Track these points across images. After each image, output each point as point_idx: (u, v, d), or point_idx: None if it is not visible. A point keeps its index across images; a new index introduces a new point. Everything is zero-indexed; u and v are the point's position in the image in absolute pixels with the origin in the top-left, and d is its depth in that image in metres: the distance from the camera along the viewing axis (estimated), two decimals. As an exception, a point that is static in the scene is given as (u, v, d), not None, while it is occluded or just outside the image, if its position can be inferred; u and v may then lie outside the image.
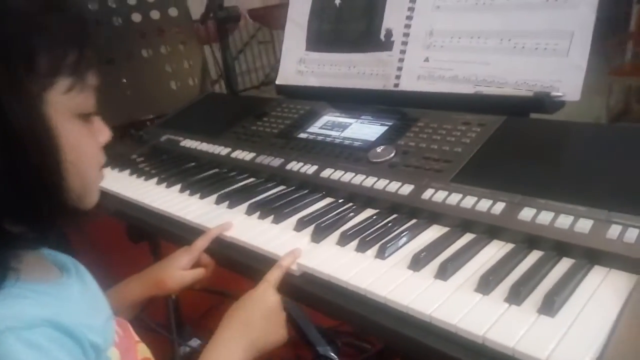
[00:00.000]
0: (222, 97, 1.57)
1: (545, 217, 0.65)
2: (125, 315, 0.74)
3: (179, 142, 1.20)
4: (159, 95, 1.55)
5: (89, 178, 0.51)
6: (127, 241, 1.25)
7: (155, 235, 1.01)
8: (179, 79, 1.58)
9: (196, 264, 0.81)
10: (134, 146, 1.27)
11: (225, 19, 1.48)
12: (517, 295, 0.55)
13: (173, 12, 1.57)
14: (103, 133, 0.55)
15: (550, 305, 0.53)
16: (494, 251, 0.65)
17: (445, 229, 0.72)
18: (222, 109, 1.35)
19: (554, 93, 0.86)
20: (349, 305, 0.62)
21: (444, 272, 0.61)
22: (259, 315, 0.66)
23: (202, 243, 0.80)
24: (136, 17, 1.53)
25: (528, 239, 0.65)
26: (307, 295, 0.67)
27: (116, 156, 1.21)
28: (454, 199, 0.73)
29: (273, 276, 0.68)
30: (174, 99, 1.53)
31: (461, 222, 0.71)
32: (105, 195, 1.04)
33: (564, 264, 0.60)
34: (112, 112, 1.51)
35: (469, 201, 0.71)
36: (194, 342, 1.72)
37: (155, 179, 1.04)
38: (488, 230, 0.68)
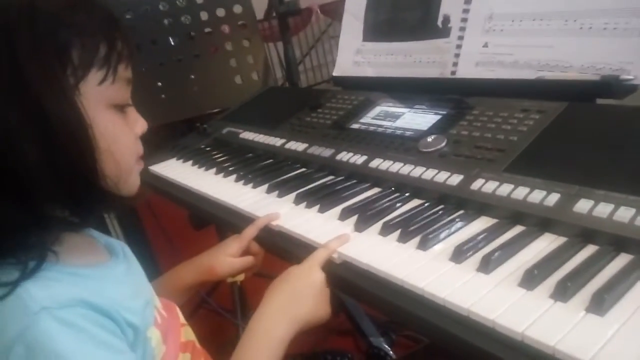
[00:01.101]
0: (282, 91, 1.59)
1: (603, 209, 0.60)
2: (177, 299, 0.78)
3: (238, 134, 1.24)
4: (224, 90, 1.60)
5: (125, 165, 0.54)
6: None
7: (213, 222, 1.05)
8: (243, 74, 1.63)
9: (245, 252, 0.83)
10: (199, 138, 1.32)
11: (285, 13, 1.50)
12: (563, 291, 0.52)
13: (237, 9, 1.61)
14: (139, 124, 0.57)
15: (599, 304, 0.49)
16: (544, 245, 0.61)
17: (493, 221, 0.69)
18: (281, 101, 1.37)
19: (624, 76, 0.79)
20: (386, 295, 0.61)
21: (486, 265, 0.58)
22: (304, 291, 0.66)
23: (251, 231, 0.82)
24: (203, 15, 1.59)
25: (583, 233, 0.60)
26: (346, 284, 0.66)
27: (182, 148, 1.27)
28: (505, 189, 0.69)
29: (319, 254, 0.68)
30: (239, 93, 1.57)
31: (511, 214, 0.67)
32: (167, 183, 1.10)
33: (621, 260, 0.56)
34: (180, 107, 1.59)
35: (520, 192, 0.68)
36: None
37: (214, 169, 1.08)
38: (540, 222, 0.64)
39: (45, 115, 0.45)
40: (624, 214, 0.58)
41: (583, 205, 0.61)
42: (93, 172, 0.49)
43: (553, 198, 0.64)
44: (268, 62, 1.65)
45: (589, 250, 0.59)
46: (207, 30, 1.59)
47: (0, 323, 0.45)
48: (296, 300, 0.66)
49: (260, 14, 1.64)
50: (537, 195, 0.66)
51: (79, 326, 0.47)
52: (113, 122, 0.52)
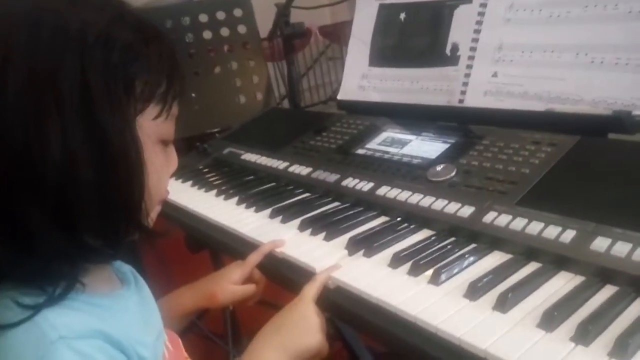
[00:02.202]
0: (285, 112, 1.58)
1: (621, 248, 0.58)
2: (174, 326, 0.75)
3: (240, 155, 1.22)
4: (225, 109, 1.59)
5: (156, 200, 0.54)
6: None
7: (211, 246, 1.02)
8: (246, 94, 1.62)
9: (248, 280, 0.80)
10: (199, 158, 1.30)
11: (291, 35, 1.50)
12: (585, 334, 0.50)
13: (242, 29, 1.60)
14: (173, 162, 0.58)
15: (623, 349, 0.47)
16: (561, 284, 0.60)
17: (507, 256, 0.67)
18: (284, 123, 1.36)
19: (636, 112, 0.78)
20: (397, 331, 0.58)
21: (503, 304, 0.56)
22: (289, 322, 0.66)
23: (254, 258, 0.80)
24: (207, 35, 1.59)
25: (601, 272, 0.58)
26: (354, 318, 0.64)
27: (181, 167, 1.24)
28: (519, 223, 0.68)
29: (307, 289, 0.68)
30: (240, 113, 1.56)
31: (525, 250, 0.66)
32: (165, 204, 1.07)
33: (643, 303, 0.54)
34: (180, 125, 1.57)
35: (535, 227, 0.66)
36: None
37: (214, 191, 1.06)
38: (555, 260, 0.63)
39: (106, 140, 0.45)
40: (644, 254, 0.56)
41: (600, 244, 0.60)
42: (138, 204, 0.49)
43: (569, 235, 0.63)
44: (271, 82, 1.65)
45: (608, 291, 0.57)
46: (210, 48, 1.58)
47: (17, 350, 0.44)
48: (284, 330, 0.66)
49: (263, 32, 1.63)
50: (552, 231, 0.64)
51: (93, 357, 0.45)
52: (160, 158, 0.53)
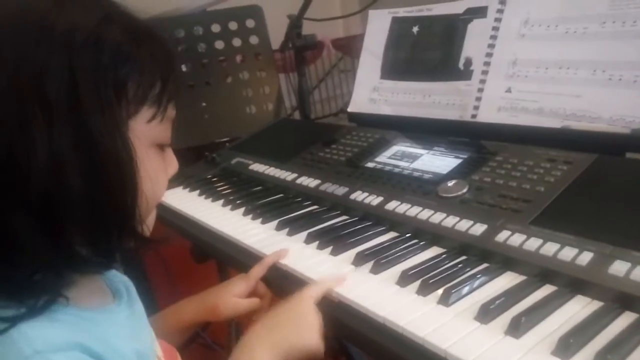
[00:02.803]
0: (295, 123, 1.57)
1: (641, 273, 0.55)
2: (175, 339, 0.73)
3: (248, 165, 1.20)
4: (235, 119, 1.58)
5: (152, 206, 0.52)
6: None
7: (216, 256, 1.01)
8: (257, 104, 1.61)
9: (252, 293, 0.78)
10: (207, 167, 1.29)
11: (303, 46, 1.49)
12: (603, 364, 0.47)
13: (254, 40, 1.60)
14: (172, 165, 0.55)
15: (645, 382, 0.44)
16: (578, 309, 0.57)
17: (520, 278, 0.64)
18: (294, 134, 1.35)
19: (656, 131, 0.76)
20: (403, 353, 0.56)
21: (516, 328, 0.53)
22: (287, 319, 0.64)
23: (258, 270, 0.78)
24: (219, 45, 1.59)
25: (620, 298, 0.56)
26: (358, 337, 0.61)
27: (188, 176, 1.23)
28: (533, 244, 0.65)
29: (310, 289, 0.66)
30: (250, 123, 1.55)
31: (540, 272, 0.63)
32: (172, 213, 1.06)
33: (665, 332, 0.51)
34: (190, 134, 1.56)
35: (550, 248, 0.63)
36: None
37: (221, 201, 1.05)
38: (571, 283, 0.60)
39: (96, 145, 0.43)
40: (666, 280, 0.54)
41: (619, 268, 0.57)
42: (131, 211, 0.46)
43: (585, 257, 0.60)
44: (281, 93, 1.64)
45: (628, 318, 0.54)
46: (222, 58, 1.58)
47: None
48: (278, 328, 0.64)
49: (275, 44, 1.63)
50: (568, 253, 0.62)
51: None
52: (155, 162, 0.51)
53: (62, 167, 0.42)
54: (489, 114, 1.00)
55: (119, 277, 0.59)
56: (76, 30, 0.44)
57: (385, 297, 0.64)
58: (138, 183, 0.47)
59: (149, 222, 0.54)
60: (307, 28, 1.53)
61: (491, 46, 1.03)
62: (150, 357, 0.54)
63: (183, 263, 1.26)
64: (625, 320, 0.54)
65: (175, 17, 1.56)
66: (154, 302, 1.14)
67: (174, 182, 1.21)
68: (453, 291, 0.61)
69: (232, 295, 0.76)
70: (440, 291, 0.62)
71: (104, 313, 0.51)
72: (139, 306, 0.59)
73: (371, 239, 0.79)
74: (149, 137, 0.49)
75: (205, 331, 1.71)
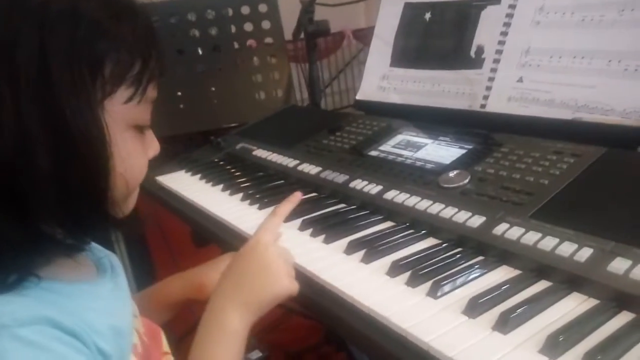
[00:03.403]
0: (303, 110, 1.55)
1: (643, 271, 0.52)
2: (160, 315, 0.73)
3: (252, 151, 1.19)
4: (244, 105, 1.57)
5: (132, 189, 0.51)
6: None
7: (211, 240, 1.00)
8: (266, 90, 1.59)
9: None
10: (211, 152, 1.28)
11: (314, 32, 1.47)
12: (592, 365, 0.44)
13: (266, 25, 1.58)
14: (153, 147, 0.54)
15: (636, 386, 0.42)
16: (572, 306, 0.54)
17: (516, 272, 0.61)
18: (300, 121, 1.33)
19: (671, 124, 0.72)
20: (387, 344, 0.54)
21: (504, 324, 0.51)
22: (250, 271, 0.62)
23: None
24: (231, 29, 1.57)
25: (618, 297, 0.53)
26: (343, 325, 0.60)
27: (192, 160, 1.22)
28: (531, 237, 0.62)
29: (264, 224, 0.65)
30: (259, 109, 1.54)
31: (536, 266, 0.60)
32: (172, 195, 1.06)
33: (662, 335, 0.48)
34: (198, 119, 1.56)
35: (548, 242, 0.61)
36: (255, 355, 1.70)
37: (221, 185, 1.04)
38: (568, 279, 0.57)
39: (66, 125, 0.42)
40: (668, 280, 0.50)
41: (619, 265, 0.54)
42: (103, 193, 0.45)
43: (585, 253, 0.57)
44: (292, 80, 1.62)
45: (624, 317, 0.51)
46: (233, 43, 1.57)
47: None
48: (243, 284, 0.61)
49: (289, 34, 1.60)
50: (566, 248, 0.59)
51: (41, 344, 0.42)
52: (132, 144, 0.49)
53: (29, 146, 0.41)
54: (498, 104, 0.97)
55: (103, 252, 0.58)
56: (51, 2, 0.42)
57: (373, 287, 0.62)
58: (111, 165, 0.45)
59: (129, 204, 0.53)
60: (327, 17, 1.51)
61: (504, 34, 0.99)
62: (127, 333, 0.53)
63: (186, 243, 1.26)
64: (621, 320, 0.51)
65: (187, 0, 1.55)
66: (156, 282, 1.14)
67: (178, 165, 1.21)
68: (442, 283, 0.59)
69: (220, 273, 0.74)
70: (429, 283, 0.59)
71: (84, 287, 0.50)
72: (123, 281, 0.58)
73: (366, 228, 0.77)
74: (126, 118, 0.48)
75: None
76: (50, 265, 0.47)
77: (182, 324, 0.84)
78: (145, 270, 1.44)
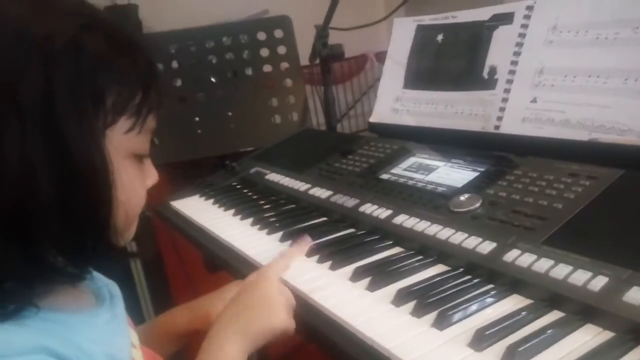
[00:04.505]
0: (317, 133, 1.55)
1: (661, 302, 0.49)
2: (167, 346, 0.72)
3: (265, 175, 1.19)
4: (261, 129, 1.57)
5: (132, 218, 0.52)
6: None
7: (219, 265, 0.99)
8: (282, 114, 1.60)
9: None
10: (226, 176, 1.28)
11: (329, 56, 1.48)
12: (606, 405, 0.41)
13: (282, 50, 1.60)
14: (151, 176, 0.55)
15: None
16: (586, 339, 0.51)
17: (527, 302, 0.59)
18: (314, 144, 1.32)
19: (692, 145, 0.68)
20: (390, 379, 0.52)
21: (511, 358, 0.48)
22: (253, 302, 0.63)
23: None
24: (247, 55, 1.59)
25: (634, 329, 0.49)
26: (344, 356, 0.57)
27: (207, 185, 1.23)
28: (543, 265, 0.60)
29: (273, 264, 0.66)
30: (276, 133, 1.54)
31: (548, 296, 0.57)
32: (185, 221, 1.06)
33: (682, 372, 0.45)
34: (215, 143, 1.57)
35: (561, 270, 0.58)
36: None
37: (232, 210, 1.03)
38: (582, 310, 0.54)
39: (70, 154, 0.43)
40: (689, 312, 0.47)
41: (635, 295, 0.51)
42: (106, 222, 0.46)
43: (599, 282, 0.54)
44: (307, 103, 1.62)
45: (642, 352, 0.48)
46: (249, 68, 1.59)
47: None
48: (245, 314, 0.63)
49: (304, 58, 1.62)
50: (580, 277, 0.56)
51: None
52: (133, 173, 0.50)
53: (33, 175, 0.42)
54: (512, 125, 0.95)
55: (103, 281, 0.58)
56: (55, 36, 0.43)
57: (376, 316, 0.60)
58: (113, 194, 0.46)
59: (128, 235, 0.53)
60: (350, 41, 1.50)
61: (517, 54, 0.97)
62: None
63: (202, 268, 1.26)
64: (637, 354, 0.48)
65: (204, 27, 1.58)
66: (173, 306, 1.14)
67: (193, 190, 1.21)
68: (448, 314, 0.56)
69: (225, 303, 0.74)
70: (435, 313, 0.57)
71: (83, 316, 0.50)
72: (121, 311, 0.58)
73: (374, 254, 0.75)
74: (126, 147, 0.49)
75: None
76: (50, 295, 0.47)
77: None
78: (162, 296, 1.45)
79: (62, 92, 0.42)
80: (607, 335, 0.51)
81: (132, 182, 0.50)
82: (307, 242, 0.67)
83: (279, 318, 0.62)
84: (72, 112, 0.43)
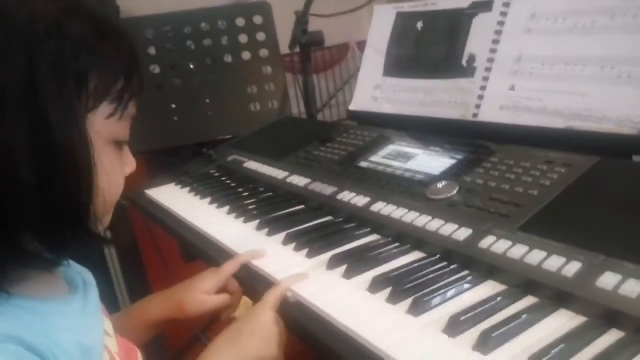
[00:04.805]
0: (296, 121, 1.53)
1: (632, 287, 0.49)
2: (142, 336, 0.71)
3: (242, 163, 1.17)
4: (238, 117, 1.55)
5: (110, 204, 0.52)
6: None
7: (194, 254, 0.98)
8: (261, 102, 1.58)
9: (223, 289, 0.75)
10: (203, 164, 1.26)
11: (308, 43, 1.46)
12: (576, 389, 0.42)
13: (261, 36, 1.57)
14: (129, 163, 0.55)
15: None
16: (559, 324, 0.51)
17: (501, 288, 0.59)
18: (293, 132, 1.31)
19: (666, 132, 0.69)
20: (364, 366, 0.51)
21: (484, 344, 0.48)
22: (249, 330, 0.62)
23: (230, 267, 0.74)
24: (225, 40, 1.56)
25: (606, 314, 0.50)
26: (320, 344, 0.57)
27: (183, 173, 1.21)
28: (518, 251, 0.60)
29: (270, 295, 0.65)
30: (254, 120, 1.52)
31: (522, 282, 0.57)
32: (160, 209, 1.04)
33: (652, 355, 0.45)
34: (192, 131, 1.54)
35: (535, 256, 0.58)
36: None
37: (208, 198, 1.02)
38: (555, 295, 0.54)
39: (51, 137, 0.42)
40: (659, 296, 0.47)
41: (608, 280, 0.51)
42: (85, 207, 0.46)
43: (573, 267, 0.54)
44: (287, 91, 1.60)
45: (613, 336, 0.48)
46: (227, 55, 1.56)
47: None
48: (240, 339, 0.62)
49: (285, 47, 1.59)
50: (554, 262, 0.56)
51: None
52: (113, 159, 0.50)
53: (13, 157, 0.41)
54: (490, 113, 0.95)
55: (77, 269, 0.57)
56: (38, 19, 0.43)
57: (352, 303, 0.59)
58: (94, 179, 0.46)
59: (106, 221, 0.52)
60: (330, 28, 1.49)
61: (495, 42, 0.97)
62: (97, 352, 0.52)
63: (178, 256, 1.24)
64: (609, 338, 0.48)
65: (182, 13, 1.54)
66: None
67: (168, 178, 1.19)
68: (424, 299, 0.56)
69: (200, 291, 0.73)
70: (410, 300, 0.57)
71: (55, 304, 0.49)
72: (94, 298, 0.57)
73: (350, 242, 0.75)
74: (107, 133, 0.49)
75: (205, 333, 1.68)
76: (22, 281, 0.46)
77: (178, 340, 0.82)
78: (139, 284, 1.43)
79: (44, 75, 0.42)
80: (580, 319, 0.51)
81: (113, 168, 0.50)
82: (304, 275, 0.67)
83: (270, 349, 0.62)
84: (54, 95, 0.43)
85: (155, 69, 1.51)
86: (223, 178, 1.15)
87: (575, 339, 0.48)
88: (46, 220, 0.44)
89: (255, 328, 0.62)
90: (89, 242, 0.50)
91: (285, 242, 0.77)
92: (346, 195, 0.86)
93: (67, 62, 0.44)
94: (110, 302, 0.72)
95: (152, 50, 1.51)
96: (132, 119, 0.51)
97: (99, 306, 0.58)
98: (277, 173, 1.05)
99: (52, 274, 0.52)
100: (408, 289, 0.59)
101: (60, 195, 0.43)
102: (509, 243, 0.61)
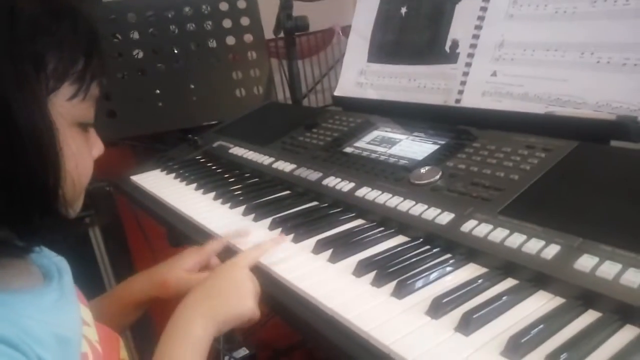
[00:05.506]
0: (282, 107, 1.53)
1: (609, 269, 0.51)
2: (126, 318, 0.71)
3: (228, 148, 1.17)
4: (223, 102, 1.54)
5: (80, 188, 0.51)
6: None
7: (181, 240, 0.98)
8: (246, 87, 1.57)
9: (206, 268, 0.75)
10: (188, 150, 1.26)
11: (293, 28, 1.45)
12: (554, 366, 0.43)
13: (245, 21, 1.56)
14: (97, 146, 0.54)
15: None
16: (538, 305, 0.53)
17: (482, 270, 0.60)
18: (278, 118, 1.31)
19: (643, 118, 0.71)
20: (350, 348, 0.52)
21: (466, 325, 0.50)
22: (222, 286, 0.63)
23: (213, 246, 0.75)
24: (209, 26, 1.55)
25: (584, 295, 0.51)
26: (306, 328, 0.58)
27: (169, 159, 1.20)
28: (499, 234, 0.61)
29: (246, 254, 0.66)
30: (238, 106, 1.51)
31: (503, 264, 0.59)
32: (146, 195, 1.04)
33: (627, 333, 0.47)
34: (176, 117, 1.53)
35: (515, 239, 0.59)
36: (242, 352, 1.67)
37: (194, 185, 1.02)
38: (535, 277, 0.56)
39: (13, 120, 0.41)
40: (634, 277, 0.49)
41: (585, 262, 0.53)
42: (54, 191, 0.45)
43: (552, 250, 0.56)
44: (272, 76, 1.60)
45: (590, 316, 0.50)
46: (212, 40, 1.54)
47: None
48: (213, 297, 0.62)
49: (270, 32, 1.58)
50: (533, 245, 0.58)
51: None
52: (78, 141, 0.49)
53: None
54: (473, 99, 0.96)
55: (52, 259, 0.56)
56: None
57: (337, 287, 0.60)
58: (61, 162, 0.45)
59: (77, 206, 0.52)
60: (316, 13, 1.48)
61: (478, 27, 0.98)
62: (75, 342, 0.51)
63: (165, 241, 1.24)
64: (586, 319, 0.50)
65: (164, -4, 1.52)
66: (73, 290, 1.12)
67: (154, 164, 1.19)
68: (408, 283, 0.57)
69: (183, 270, 0.72)
70: (394, 283, 0.58)
71: (28, 296, 0.48)
72: (70, 288, 0.56)
73: (336, 227, 0.76)
74: (71, 115, 0.48)
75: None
76: None
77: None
78: (125, 269, 1.42)
79: (0, 58, 0.41)
80: (558, 301, 0.53)
81: (80, 151, 0.49)
82: (284, 239, 0.68)
83: (246, 305, 0.62)
84: (12, 76, 0.42)
85: (139, 54, 1.49)
86: (209, 164, 1.15)
87: (554, 320, 0.49)
88: (15, 206, 0.43)
89: (231, 285, 0.62)
90: (61, 228, 0.49)
91: (272, 227, 0.78)
92: (332, 181, 0.87)
93: (22, 44, 0.43)
94: (97, 289, 0.72)
95: (135, 35, 1.49)
96: (96, 101, 0.51)
97: (75, 295, 0.57)
98: (263, 159, 1.05)
99: (26, 264, 0.52)
100: (392, 272, 0.60)
101: (27, 178, 0.43)
102: (490, 227, 0.63)
